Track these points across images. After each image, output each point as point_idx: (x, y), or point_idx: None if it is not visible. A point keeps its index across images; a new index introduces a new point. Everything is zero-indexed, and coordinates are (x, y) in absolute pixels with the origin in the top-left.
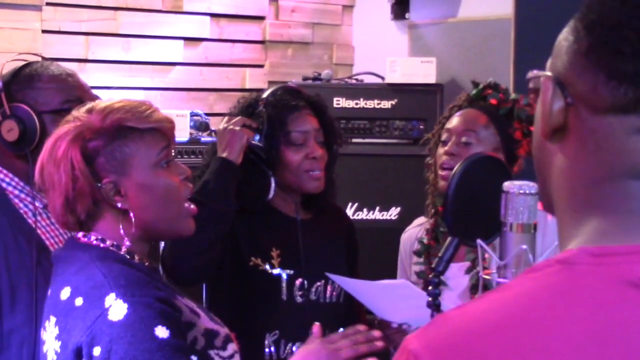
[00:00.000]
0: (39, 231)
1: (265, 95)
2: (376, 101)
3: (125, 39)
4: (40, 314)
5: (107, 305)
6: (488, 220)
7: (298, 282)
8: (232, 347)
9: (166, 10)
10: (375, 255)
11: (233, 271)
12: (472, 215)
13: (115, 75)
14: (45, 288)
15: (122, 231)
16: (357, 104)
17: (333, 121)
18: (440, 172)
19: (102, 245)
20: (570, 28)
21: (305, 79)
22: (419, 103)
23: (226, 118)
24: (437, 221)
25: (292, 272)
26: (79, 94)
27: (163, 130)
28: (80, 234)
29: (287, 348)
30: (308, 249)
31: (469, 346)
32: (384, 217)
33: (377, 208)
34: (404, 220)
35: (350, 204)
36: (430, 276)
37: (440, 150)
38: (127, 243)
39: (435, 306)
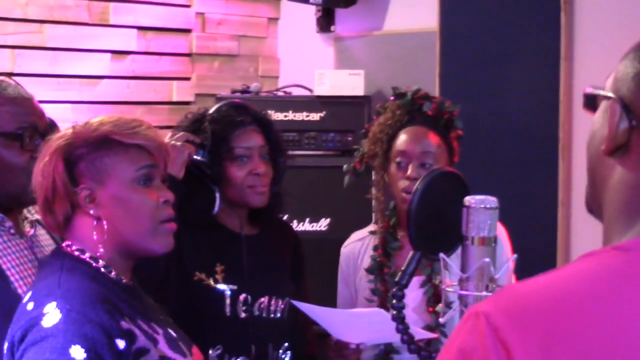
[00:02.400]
0: None
1: (211, 111)
2: (305, 113)
3: (52, 52)
4: None
5: (45, 311)
6: (449, 234)
7: (242, 297)
8: None
9: (93, 23)
10: (307, 266)
11: (177, 285)
12: (433, 230)
13: (43, 89)
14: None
15: (95, 237)
16: (285, 116)
17: (279, 137)
18: (405, 196)
19: (81, 256)
20: (636, 55)
21: (233, 91)
22: (347, 115)
23: (170, 133)
24: (386, 237)
25: (235, 287)
26: (33, 120)
27: (149, 149)
28: (65, 244)
29: None
30: (252, 265)
31: (540, 310)
32: (314, 229)
33: (307, 219)
34: (334, 231)
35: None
36: (394, 290)
37: (398, 173)
38: (101, 249)
39: (400, 319)
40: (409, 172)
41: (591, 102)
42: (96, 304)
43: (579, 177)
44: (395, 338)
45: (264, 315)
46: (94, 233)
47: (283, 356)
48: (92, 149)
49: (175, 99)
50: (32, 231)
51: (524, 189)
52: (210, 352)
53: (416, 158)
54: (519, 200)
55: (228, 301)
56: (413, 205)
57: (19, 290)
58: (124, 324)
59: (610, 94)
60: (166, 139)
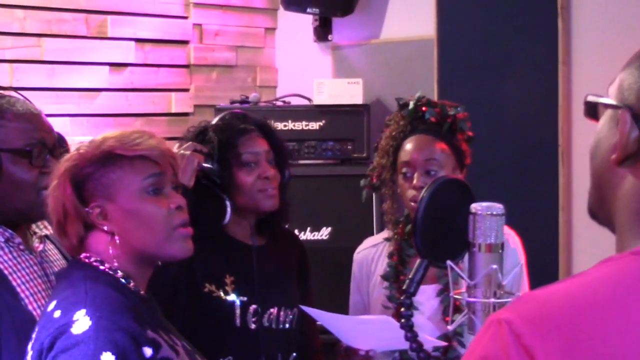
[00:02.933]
0: (1, 266)
1: (214, 121)
2: (304, 123)
3: (50, 65)
4: (2, 344)
5: (75, 318)
6: (455, 241)
7: (252, 308)
8: None
9: (91, 36)
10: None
11: (187, 297)
12: (439, 237)
13: (41, 102)
14: (7, 319)
15: (111, 252)
16: (285, 125)
17: (282, 143)
18: (414, 205)
19: (100, 267)
20: None
21: (232, 102)
22: (346, 123)
23: (177, 144)
24: (402, 245)
25: (245, 298)
26: (42, 136)
27: (153, 158)
28: (82, 255)
29: None
30: (262, 276)
31: (561, 316)
32: (315, 238)
33: (308, 229)
34: (336, 240)
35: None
36: (402, 298)
37: (405, 184)
38: (115, 264)
39: (408, 327)
40: (414, 181)
41: (592, 110)
42: (124, 312)
43: (580, 183)
44: (405, 345)
45: (274, 326)
46: (110, 248)
47: None
48: (98, 166)
49: (174, 110)
50: (41, 247)
51: (524, 195)
52: None
53: (420, 166)
54: (519, 206)
55: (238, 312)
56: (419, 213)
57: (30, 307)
58: (150, 333)
59: (617, 103)
60: (174, 150)
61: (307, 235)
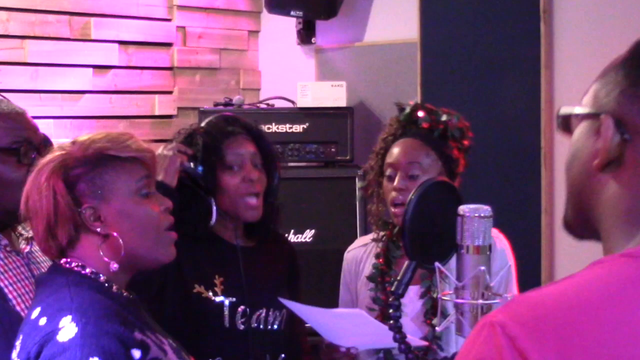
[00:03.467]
0: None
1: (202, 124)
2: (288, 125)
3: (33, 67)
4: None
5: (60, 325)
6: (443, 243)
7: (240, 309)
8: None
9: (74, 38)
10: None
11: (176, 298)
12: (427, 239)
13: (25, 104)
14: None
15: (101, 254)
16: (269, 128)
17: (271, 146)
18: (393, 209)
19: (82, 272)
20: (622, 71)
21: (216, 104)
22: (330, 126)
23: (162, 146)
24: (388, 246)
25: (234, 299)
26: (28, 134)
27: (143, 160)
28: (62, 260)
29: None
30: (250, 277)
31: (555, 318)
32: (299, 240)
33: (292, 231)
34: (319, 242)
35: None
36: (390, 299)
37: (388, 185)
38: (114, 266)
39: (397, 328)
40: (395, 183)
41: (565, 124)
42: (110, 316)
43: (562, 186)
44: (384, 344)
45: (262, 327)
46: (101, 251)
47: None
48: (89, 167)
49: (157, 112)
50: (27, 248)
51: (507, 198)
52: None
53: (403, 169)
54: (502, 208)
55: (227, 313)
56: (407, 215)
57: (17, 308)
58: (138, 335)
59: (596, 111)
60: (159, 150)
61: (290, 238)
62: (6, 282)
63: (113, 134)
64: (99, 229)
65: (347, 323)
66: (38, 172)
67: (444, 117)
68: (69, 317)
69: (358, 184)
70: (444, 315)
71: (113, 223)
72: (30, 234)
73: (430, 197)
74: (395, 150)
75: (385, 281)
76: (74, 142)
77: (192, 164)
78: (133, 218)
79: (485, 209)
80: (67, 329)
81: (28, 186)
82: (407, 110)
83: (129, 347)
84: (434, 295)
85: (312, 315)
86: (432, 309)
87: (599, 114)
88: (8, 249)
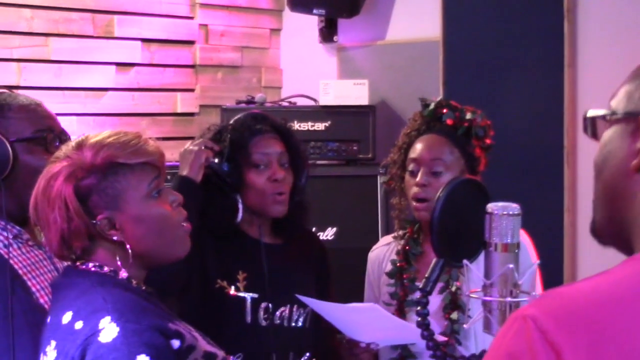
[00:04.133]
0: (11, 261)
1: (232, 121)
2: (310, 123)
3: (57, 65)
4: (15, 342)
5: (100, 327)
6: (471, 241)
7: (263, 305)
8: None
9: (97, 36)
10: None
11: (199, 292)
12: (455, 237)
13: (48, 102)
14: (20, 316)
15: (119, 262)
16: (291, 126)
17: (299, 145)
18: (415, 204)
19: (101, 271)
20: None
21: (238, 102)
22: (352, 124)
23: (190, 142)
24: (409, 243)
25: (256, 295)
26: (49, 123)
27: (153, 163)
28: (78, 263)
29: None
30: (274, 273)
31: (587, 313)
32: (322, 238)
33: (314, 229)
34: (341, 240)
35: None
36: (419, 297)
37: (410, 180)
38: (124, 274)
39: (424, 325)
40: (418, 179)
41: (592, 126)
42: (145, 310)
43: (585, 184)
44: (403, 340)
45: (285, 324)
46: (117, 258)
47: None
48: (100, 177)
49: (179, 110)
50: None
51: (529, 197)
52: (231, 359)
53: (426, 165)
54: (524, 207)
55: (249, 309)
56: (436, 213)
57: (41, 300)
58: (171, 325)
59: (631, 112)
60: (186, 146)
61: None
62: (29, 276)
63: (122, 137)
64: (115, 237)
65: (363, 318)
66: (48, 181)
67: (468, 116)
68: (108, 318)
69: (380, 180)
70: (462, 310)
71: (129, 230)
72: None
73: (458, 195)
74: (419, 146)
75: (404, 278)
76: (80, 147)
77: (217, 161)
78: (149, 222)
79: (514, 207)
80: (108, 330)
81: (37, 194)
82: (432, 106)
83: (169, 337)
84: (453, 290)
85: (330, 311)
86: (450, 304)
87: (636, 114)
88: (30, 243)
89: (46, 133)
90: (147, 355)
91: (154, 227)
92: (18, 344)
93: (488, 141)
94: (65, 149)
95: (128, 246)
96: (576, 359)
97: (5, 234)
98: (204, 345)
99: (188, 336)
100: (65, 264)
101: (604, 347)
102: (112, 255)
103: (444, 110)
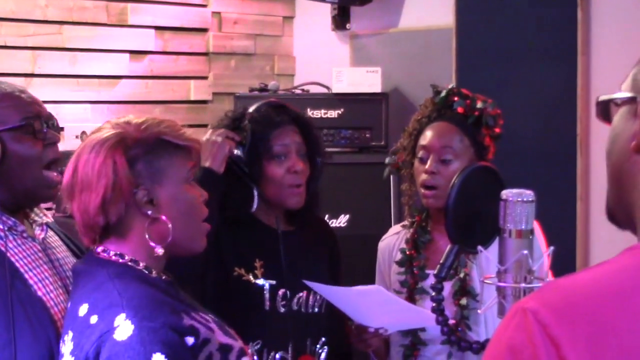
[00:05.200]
0: (8, 254)
1: (250, 110)
2: (323, 111)
3: (71, 53)
4: (16, 335)
5: (115, 324)
6: (485, 227)
7: (281, 292)
8: None
9: (111, 24)
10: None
11: (217, 281)
12: (470, 223)
13: (62, 89)
14: (20, 310)
15: (148, 239)
16: (309, 116)
17: (317, 136)
18: (423, 191)
19: (120, 260)
20: None
21: (252, 90)
22: (365, 112)
23: (210, 130)
24: (417, 231)
25: (274, 282)
26: (36, 109)
27: (193, 149)
28: (99, 249)
29: (270, 357)
30: (290, 260)
31: (587, 305)
32: (334, 225)
33: (327, 216)
34: (354, 227)
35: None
36: (434, 282)
37: (419, 167)
38: (160, 250)
39: (439, 311)
40: (427, 166)
41: (605, 111)
42: (161, 307)
43: (597, 172)
44: (411, 325)
45: (303, 310)
46: (146, 234)
47: (320, 351)
48: (148, 149)
49: (192, 97)
50: (42, 234)
51: (542, 185)
52: (250, 346)
53: (436, 152)
54: (537, 195)
55: (267, 296)
56: (450, 199)
57: (39, 293)
58: (186, 321)
59: (633, 94)
60: (206, 136)
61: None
62: (26, 268)
63: (167, 121)
64: (149, 212)
65: (369, 301)
66: (93, 146)
67: (479, 105)
68: (123, 315)
69: (387, 160)
70: (472, 296)
71: (164, 207)
72: (44, 219)
73: (473, 182)
74: (429, 133)
75: (413, 265)
76: (128, 122)
77: (238, 152)
78: (182, 204)
79: (528, 194)
80: (123, 327)
81: (79, 159)
82: (443, 94)
83: (183, 335)
84: (461, 276)
85: (337, 296)
86: (460, 290)
87: (636, 97)
88: (25, 235)
89: (32, 120)
90: (162, 353)
91: (184, 211)
92: (19, 336)
93: (498, 130)
94: (112, 121)
95: (164, 218)
96: (576, 351)
97: (0, 226)
98: (220, 336)
99: (203, 330)
100: (66, 255)
101: (603, 340)
102: (142, 231)
103: (455, 98)
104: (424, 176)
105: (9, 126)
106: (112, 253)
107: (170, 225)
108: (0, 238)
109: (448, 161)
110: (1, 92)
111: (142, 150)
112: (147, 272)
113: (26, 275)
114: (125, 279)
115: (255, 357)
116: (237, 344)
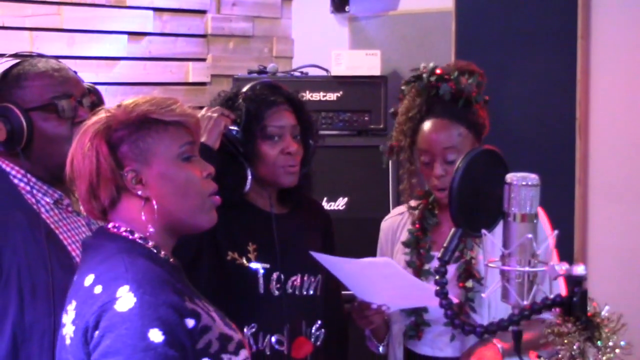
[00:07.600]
0: (51, 225)
1: (245, 89)
2: (322, 93)
3: (69, 34)
4: (58, 304)
5: (118, 295)
6: (489, 211)
7: (275, 275)
8: (244, 353)
9: (110, 5)
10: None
11: (211, 265)
12: (474, 207)
13: None
14: (62, 279)
15: (143, 218)
16: (302, 96)
17: (310, 117)
18: (437, 193)
19: (130, 237)
20: None
21: (250, 72)
22: (363, 95)
23: (205, 108)
24: (424, 214)
25: (268, 265)
26: (66, 88)
27: (187, 124)
28: (110, 225)
29: (266, 340)
30: (283, 243)
31: None
32: (332, 208)
33: (325, 199)
34: (352, 210)
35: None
36: (437, 266)
37: (425, 170)
38: (151, 229)
39: (443, 294)
40: (435, 171)
41: None
42: (164, 285)
43: (596, 156)
44: (414, 304)
45: (297, 293)
46: (142, 214)
47: (317, 333)
48: (133, 130)
49: (191, 79)
50: None
51: (541, 168)
52: (245, 330)
53: (439, 154)
54: None
55: (261, 280)
56: (454, 183)
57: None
58: (189, 304)
59: None
60: (201, 112)
61: (323, 206)
62: (69, 241)
63: (158, 98)
64: (139, 192)
65: (376, 275)
66: (83, 133)
67: (463, 84)
68: (126, 287)
69: (381, 148)
70: (477, 279)
71: (155, 186)
72: None
73: (477, 165)
74: (427, 134)
75: (420, 247)
76: (119, 105)
77: (234, 127)
78: (174, 182)
79: (533, 177)
80: (125, 299)
81: (73, 147)
82: (425, 79)
83: (184, 316)
84: (467, 258)
85: (343, 268)
86: (465, 273)
87: None
88: (70, 209)
89: (60, 99)
90: (159, 329)
91: (179, 188)
92: (59, 307)
93: (486, 97)
94: (106, 108)
95: (154, 201)
96: None
97: (46, 198)
98: (221, 326)
99: (205, 316)
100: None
101: None
102: (136, 210)
103: (441, 88)
104: (434, 181)
105: (34, 105)
106: (122, 229)
107: (155, 203)
108: (35, 202)
109: (453, 161)
110: (34, 71)
111: (126, 131)
112: (155, 251)
113: (69, 248)
114: (134, 255)
115: (251, 342)
116: (237, 335)
